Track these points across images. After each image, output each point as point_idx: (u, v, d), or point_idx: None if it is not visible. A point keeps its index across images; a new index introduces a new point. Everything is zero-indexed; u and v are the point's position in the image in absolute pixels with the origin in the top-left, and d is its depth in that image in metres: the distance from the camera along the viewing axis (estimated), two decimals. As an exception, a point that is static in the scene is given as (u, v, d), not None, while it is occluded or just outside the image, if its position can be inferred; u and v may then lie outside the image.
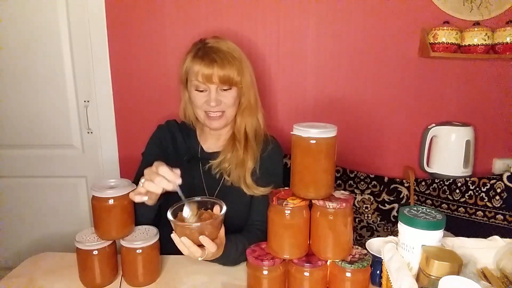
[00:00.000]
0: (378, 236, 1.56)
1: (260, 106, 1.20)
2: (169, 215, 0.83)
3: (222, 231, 0.89)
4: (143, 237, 0.91)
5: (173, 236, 0.82)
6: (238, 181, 1.10)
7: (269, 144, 1.18)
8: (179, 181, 0.84)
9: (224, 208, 0.86)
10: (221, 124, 1.12)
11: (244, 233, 1.08)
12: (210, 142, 1.20)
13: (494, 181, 1.50)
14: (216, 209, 0.89)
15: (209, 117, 1.10)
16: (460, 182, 1.56)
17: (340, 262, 0.84)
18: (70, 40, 1.61)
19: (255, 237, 1.02)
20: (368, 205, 1.63)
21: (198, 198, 0.90)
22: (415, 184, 1.64)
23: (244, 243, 0.98)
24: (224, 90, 1.08)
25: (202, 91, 1.08)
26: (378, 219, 1.63)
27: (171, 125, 1.23)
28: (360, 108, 1.66)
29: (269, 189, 1.09)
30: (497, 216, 1.50)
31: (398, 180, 1.63)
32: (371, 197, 1.63)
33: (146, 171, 0.86)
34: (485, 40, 1.48)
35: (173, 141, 1.19)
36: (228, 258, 0.95)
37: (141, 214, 0.96)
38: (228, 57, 1.07)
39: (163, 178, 0.82)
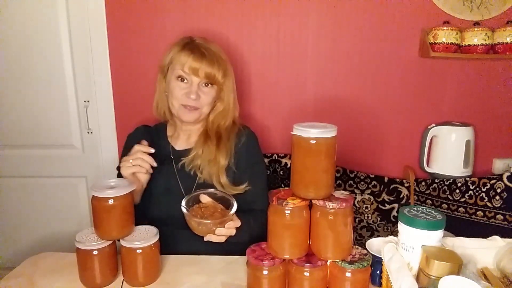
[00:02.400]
0: (378, 236, 1.56)
1: (238, 107, 1.22)
2: (185, 210, 0.91)
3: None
4: (143, 237, 0.91)
5: (207, 237, 0.93)
6: (209, 179, 1.10)
7: (243, 136, 1.18)
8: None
9: (235, 205, 0.94)
10: (194, 117, 1.12)
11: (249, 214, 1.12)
12: (182, 140, 1.20)
13: (494, 181, 1.50)
14: (204, 198, 0.95)
15: (184, 108, 1.11)
16: (460, 182, 1.56)
17: (340, 262, 0.84)
18: (70, 40, 1.61)
19: (258, 216, 1.07)
20: (368, 205, 1.63)
21: (211, 190, 0.99)
22: (415, 184, 1.64)
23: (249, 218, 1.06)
24: (205, 86, 1.10)
25: (183, 81, 1.09)
26: (378, 219, 1.63)
27: (139, 132, 1.24)
28: (360, 108, 1.66)
29: (243, 188, 1.11)
30: (497, 216, 1.50)
31: (398, 180, 1.63)
32: (371, 197, 1.63)
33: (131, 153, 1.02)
34: (485, 40, 1.48)
35: None
36: (248, 228, 1.02)
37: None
38: (217, 56, 1.10)
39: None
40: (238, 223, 0.95)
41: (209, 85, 1.11)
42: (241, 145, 1.16)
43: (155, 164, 1.02)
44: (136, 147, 1.03)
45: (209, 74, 1.07)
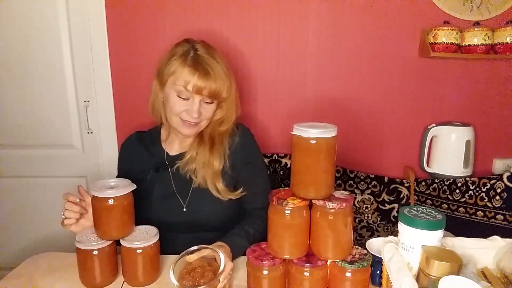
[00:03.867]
0: (378, 236, 1.56)
1: (239, 111, 1.18)
2: (176, 283, 0.83)
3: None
4: (143, 237, 0.91)
5: None
6: (204, 183, 1.09)
7: (236, 136, 1.15)
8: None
9: (221, 256, 0.86)
10: (193, 132, 1.10)
11: (246, 220, 1.13)
12: (176, 144, 1.18)
13: (494, 181, 1.50)
14: (190, 258, 0.88)
15: (184, 123, 1.07)
16: (460, 182, 1.56)
17: (340, 262, 0.84)
18: (70, 40, 1.61)
19: (260, 220, 1.09)
20: (368, 205, 1.63)
21: (192, 248, 0.89)
22: (415, 184, 1.64)
23: (246, 229, 1.07)
24: (207, 103, 1.07)
25: (184, 98, 1.04)
26: (378, 219, 1.63)
27: (132, 141, 1.22)
28: (360, 108, 1.66)
29: (239, 193, 1.10)
30: (497, 216, 1.50)
31: (398, 180, 1.63)
32: (371, 197, 1.63)
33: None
34: (485, 40, 1.48)
35: (137, 158, 1.18)
36: (240, 249, 1.02)
37: None
38: (221, 73, 1.05)
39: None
40: (230, 265, 0.89)
41: (211, 102, 1.08)
42: (235, 146, 1.14)
43: (85, 211, 0.98)
44: (63, 197, 0.98)
45: (213, 93, 1.04)
